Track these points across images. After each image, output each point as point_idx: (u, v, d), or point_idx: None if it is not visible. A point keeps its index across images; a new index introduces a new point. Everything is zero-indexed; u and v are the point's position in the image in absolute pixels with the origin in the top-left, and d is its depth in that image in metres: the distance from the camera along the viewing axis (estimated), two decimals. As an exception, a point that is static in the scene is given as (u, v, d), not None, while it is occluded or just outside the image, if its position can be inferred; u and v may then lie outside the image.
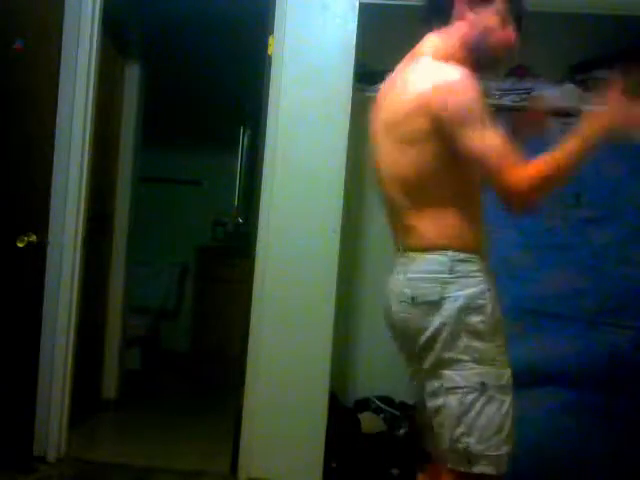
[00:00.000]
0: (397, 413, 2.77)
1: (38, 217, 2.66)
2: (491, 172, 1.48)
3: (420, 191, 1.58)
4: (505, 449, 1.53)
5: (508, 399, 1.54)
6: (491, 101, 2.63)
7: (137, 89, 3.76)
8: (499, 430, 1.52)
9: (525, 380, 2.53)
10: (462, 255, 1.56)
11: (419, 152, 1.55)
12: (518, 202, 1.52)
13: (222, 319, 4.31)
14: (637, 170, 2.57)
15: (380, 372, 2.93)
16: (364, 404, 2.87)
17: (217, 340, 4.35)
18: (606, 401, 2.51)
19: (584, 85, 2.62)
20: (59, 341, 2.80)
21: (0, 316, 2.66)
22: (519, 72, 2.70)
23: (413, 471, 2.48)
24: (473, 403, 1.52)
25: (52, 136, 2.68)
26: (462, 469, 1.53)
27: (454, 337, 1.53)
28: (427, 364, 1.56)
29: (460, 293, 1.54)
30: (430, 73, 1.55)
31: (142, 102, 3.82)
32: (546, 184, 1.54)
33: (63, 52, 2.68)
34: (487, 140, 1.47)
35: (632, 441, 2.50)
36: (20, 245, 2.54)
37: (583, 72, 2.65)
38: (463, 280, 1.55)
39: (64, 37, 2.68)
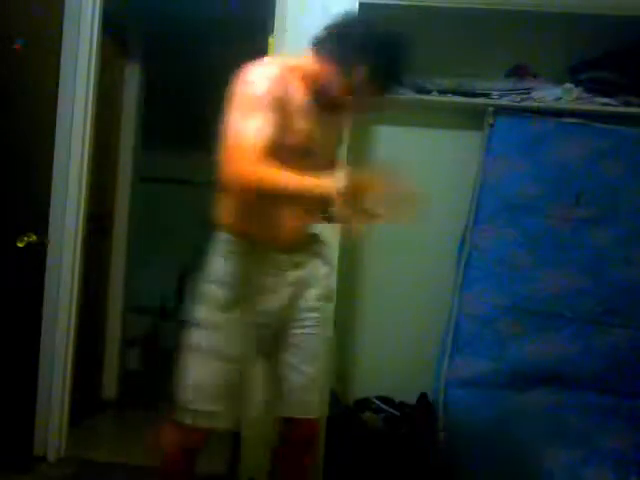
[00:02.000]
0: (397, 413, 2.77)
1: (38, 217, 2.66)
2: (227, 151, 1.60)
3: None
4: (201, 406, 1.85)
5: (214, 364, 1.79)
6: (491, 101, 2.63)
7: (137, 89, 3.76)
8: (197, 387, 1.89)
9: (525, 380, 2.54)
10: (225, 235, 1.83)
11: None
12: (228, 186, 1.67)
13: (222, 319, 4.30)
14: (637, 170, 2.57)
15: (380, 372, 2.93)
16: (364, 404, 2.87)
17: (217, 340, 4.35)
18: (606, 401, 2.51)
19: (584, 85, 2.62)
20: (59, 341, 2.80)
21: (0, 316, 2.66)
22: (519, 72, 2.70)
23: (414, 471, 2.48)
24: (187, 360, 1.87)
25: (52, 136, 2.69)
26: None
27: None
28: None
29: None
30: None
31: (142, 102, 3.82)
32: (253, 190, 1.60)
33: (63, 52, 2.68)
34: (240, 126, 1.59)
35: (633, 441, 2.50)
36: (20, 245, 2.54)
37: (583, 72, 2.65)
38: None
39: (64, 37, 2.67)
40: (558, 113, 2.60)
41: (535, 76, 2.69)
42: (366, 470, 2.59)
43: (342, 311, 2.86)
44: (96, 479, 2.80)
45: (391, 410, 2.79)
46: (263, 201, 1.70)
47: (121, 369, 3.83)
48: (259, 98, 1.62)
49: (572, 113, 2.59)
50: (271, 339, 1.85)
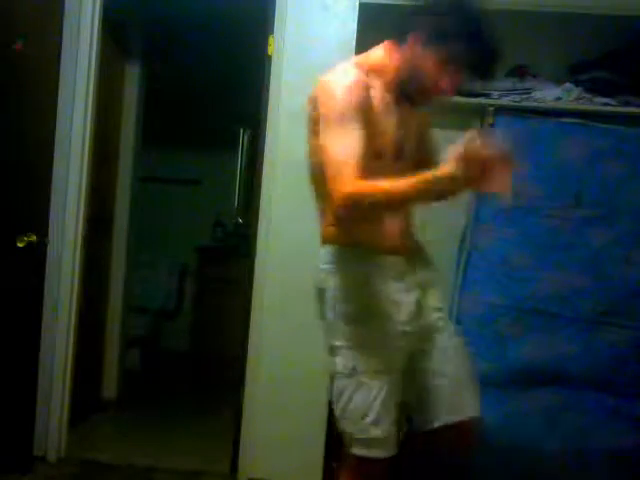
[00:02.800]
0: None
1: (38, 217, 2.66)
2: (327, 173, 1.54)
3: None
4: (374, 432, 1.63)
5: (377, 384, 1.64)
6: (491, 101, 2.63)
7: (137, 89, 3.76)
8: (364, 414, 1.63)
9: (525, 380, 2.54)
10: (341, 248, 1.70)
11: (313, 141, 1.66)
12: (334, 208, 1.57)
13: (222, 319, 4.30)
14: (637, 170, 2.57)
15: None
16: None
17: (217, 340, 4.35)
18: (606, 401, 2.51)
19: (584, 85, 2.62)
20: (59, 341, 2.80)
21: (0, 316, 2.66)
22: (519, 72, 2.70)
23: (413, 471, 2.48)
24: (344, 387, 1.66)
25: (52, 136, 2.69)
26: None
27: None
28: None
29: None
30: (329, 72, 1.65)
31: (142, 102, 3.82)
32: (363, 206, 1.55)
33: (63, 52, 2.68)
34: (335, 144, 1.53)
35: (633, 441, 2.50)
36: (20, 245, 2.54)
37: (583, 72, 2.65)
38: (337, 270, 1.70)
39: (64, 37, 2.68)
40: (558, 113, 2.60)
41: (535, 76, 2.69)
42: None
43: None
44: (96, 479, 2.80)
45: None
46: (378, 214, 1.68)
47: (121, 369, 3.83)
48: (348, 112, 1.55)
49: (572, 113, 2.59)
50: (409, 350, 1.74)
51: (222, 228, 4.98)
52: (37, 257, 2.64)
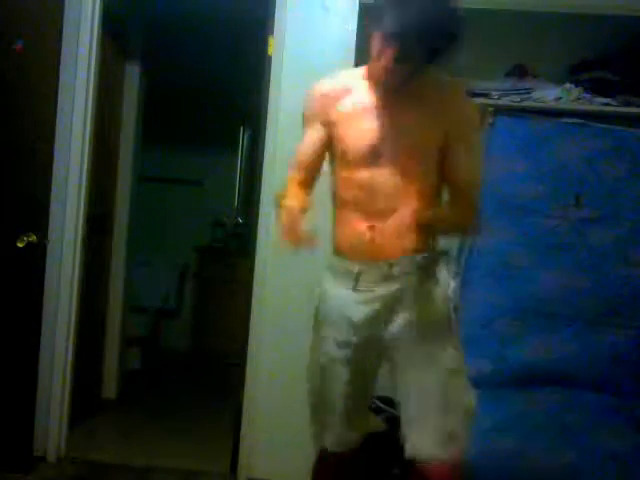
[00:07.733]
0: (397, 413, 2.76)
1: (38, 217, 2.66)
2: None
3: None
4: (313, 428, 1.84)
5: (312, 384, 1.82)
6: (491, 101, 2.64)
7: (137, 89, 3.76)
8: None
9: (525, 380, 2.55)
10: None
11: None
12: None
13: (222, 319, 4.31)
14: (637, 170, 2.57)
15: (381, 373, 2.92)
16: (364, 404, 2.87)
17: (217, 340, 4.36)
18: (607, 401, 2.51)
19: (584, 85, 2.62)
20: (59, 341, 2.80)
21: (0, 316, 2.66)
22: (519, 72, 2.70)
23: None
24: None
25: (52, 136, 2.68)
26: None
27: None
28: None
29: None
30: None
31: (142, 102, 3.82)
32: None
33: (63, 52, 2.68)
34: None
35: (633, 441, 2.50)
36: (20, 245, 2.54)
37: (583, 72, 2.65)
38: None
39: (64, 37, 2.68)
40: (558, 113, 2.60)
41: (535, 76, 2.69)
42: (366, 470, 2.59)
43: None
44: (96, 479, 2.80)
45: (391, 410, 2.79)
46: None
47: (121, 369, 3.83)
48: (305, 116, 1.81)
49: (572, 113, 2.59)
50: (378, 360, 1.81)
51: (222, 228, 4.98)
52: (37, 257, 2.64)
